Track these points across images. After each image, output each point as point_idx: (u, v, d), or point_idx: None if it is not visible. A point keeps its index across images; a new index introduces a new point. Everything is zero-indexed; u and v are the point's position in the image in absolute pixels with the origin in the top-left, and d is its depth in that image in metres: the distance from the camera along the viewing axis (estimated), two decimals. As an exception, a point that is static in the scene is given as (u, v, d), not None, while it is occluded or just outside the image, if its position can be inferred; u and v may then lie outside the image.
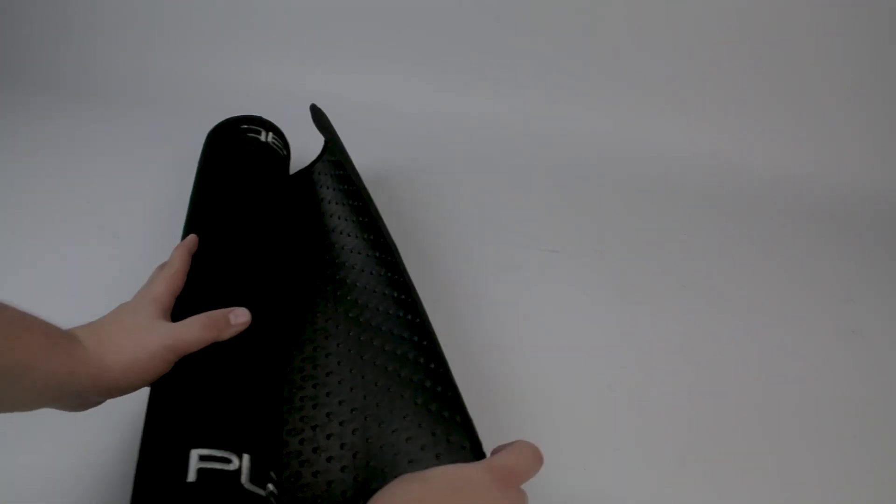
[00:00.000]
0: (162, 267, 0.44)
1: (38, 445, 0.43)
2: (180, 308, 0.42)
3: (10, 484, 0.42)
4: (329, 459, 0.41)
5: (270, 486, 0.34)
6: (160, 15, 0.92)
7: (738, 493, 0.44)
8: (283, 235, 0.55)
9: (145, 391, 0.37)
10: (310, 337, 0.49)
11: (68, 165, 0.73)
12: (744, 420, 0.49)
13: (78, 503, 0.41)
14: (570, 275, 0.61)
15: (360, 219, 0.56)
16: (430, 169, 0.74)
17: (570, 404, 0.49)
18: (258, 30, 0.91)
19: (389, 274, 0.50)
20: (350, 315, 0.50)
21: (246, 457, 0.34)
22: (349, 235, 0.57)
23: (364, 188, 0.55)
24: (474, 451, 0.37)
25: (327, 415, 0.43)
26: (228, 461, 0.33)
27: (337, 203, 0.60)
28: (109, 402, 0.37)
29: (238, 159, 0.57)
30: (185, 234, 0.49)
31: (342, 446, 0.41)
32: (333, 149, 0.60)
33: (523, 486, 0.33)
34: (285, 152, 0.64)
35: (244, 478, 0.33)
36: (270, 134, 0.62)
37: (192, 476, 0.32)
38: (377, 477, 0.40)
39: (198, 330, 0.38)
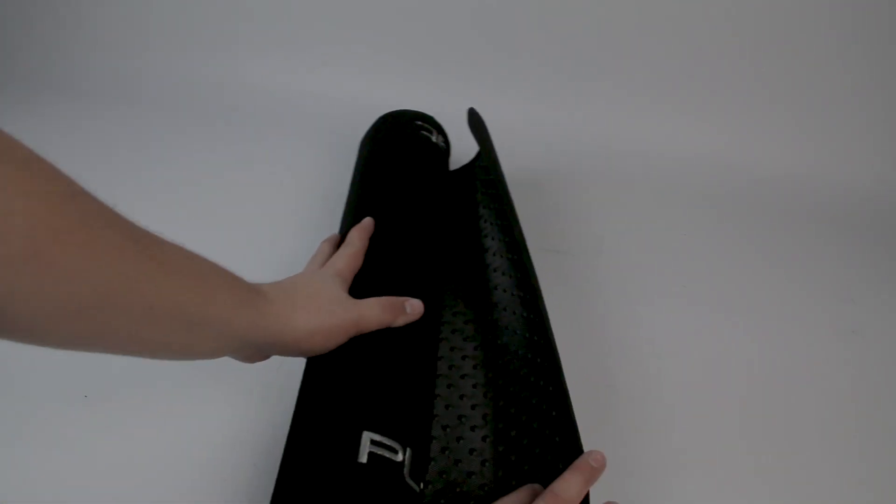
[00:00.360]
0: (329, 242, 0.47)
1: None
2: (353, 288, 0.42)
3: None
4: (457, 462, 0.40)
5: (421, 485, 0.34)
6: (160, 15, 0.92)
7: (737, 493, 0.44)
8: (441, 236, 0.56)
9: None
10: (447, 336, 0.49)
11: (68, 165, 0.73)
12: (743, 420, 0.49)
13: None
14: (570, 275, 0.61)
15: (501, 222, 0.56)
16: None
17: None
18: (268, 31, 0.91)
19: (527, 297, 0.50)
20: (488, 318, 0.50)
21: (409, 450, 0.34)
22: (492, 238, 0.57)
23: (508, 195, 0.55)
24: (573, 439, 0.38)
25: (458, 417, 0.43)
26: (395, 451, 0.33)
27: (483, 206, 0.61)
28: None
29: (409, 155, 0.58)
30: (349, 214, 0.51)
31: (471, 451, 0.41)
32: (485, 153, 0.60)
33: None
34: (448, 157, 0.65)
35: (406, 470, 0.33)
36: (440, 136, 0.63)
37: (363, 457, 0.32)
38: (503, 487, 0.39)
39: (378, 311, 0.39)
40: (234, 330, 0.33)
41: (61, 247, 0.24)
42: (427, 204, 0.54)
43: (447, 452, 0.41)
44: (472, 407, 0.44)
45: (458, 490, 0.39)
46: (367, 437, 0.33)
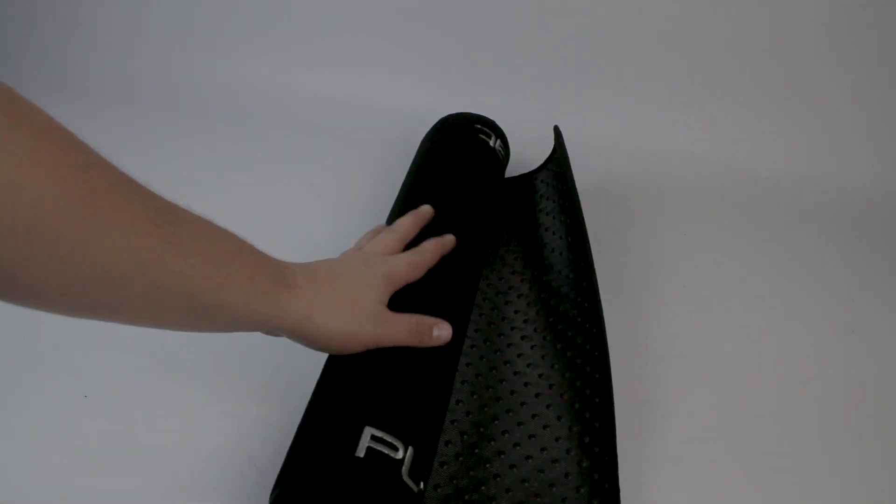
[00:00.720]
0: (387, 230, 0.44)
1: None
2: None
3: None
4: (468, 470, 0.42)
5: (422, 485, 0.34)
6: (160, 15, 0.92)
7: (736, 494, 0.44)
8: (494, 244, 0.57)
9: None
10: (478, 343, 0.50)
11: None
12: (743, 420, 0.49)
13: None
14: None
15: (569, 238, 0.57)
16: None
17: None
18: (271, 33, 0.91)
19: (584, 302, 0.51)
20: (535, 330, 0.51)
21: (410, 449, 0.34)
22: (553, 251, 0.57)
23: (580, 210, 0.55)
24: (612, 495, 0.38)
25: (476, 426, 0.44)
26: (395, 448, 0.33)
27: (548, 214, 0.61)
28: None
29: (465, 159, 0.58)
30: (401, 208, 0.50)
31: (484, 462, 0.42)
32: (560, 160, 0.61)
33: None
34: (505, 161, 0.65)
35: (405, 469, 0.33)
36: (499, 141, 0.63)
37: (361, 451, 0.32)
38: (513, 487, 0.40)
39: (405, 334, 0.38)
40: (249, 318, 0.32)
41: (67, 219, 0.24)
42: (479, 211, 0.54)
43: (460, 459, 0.41)
44: (493, 419, 0.44)
45: (465, 498, 0.39)
46: (368, 432, 0.33)
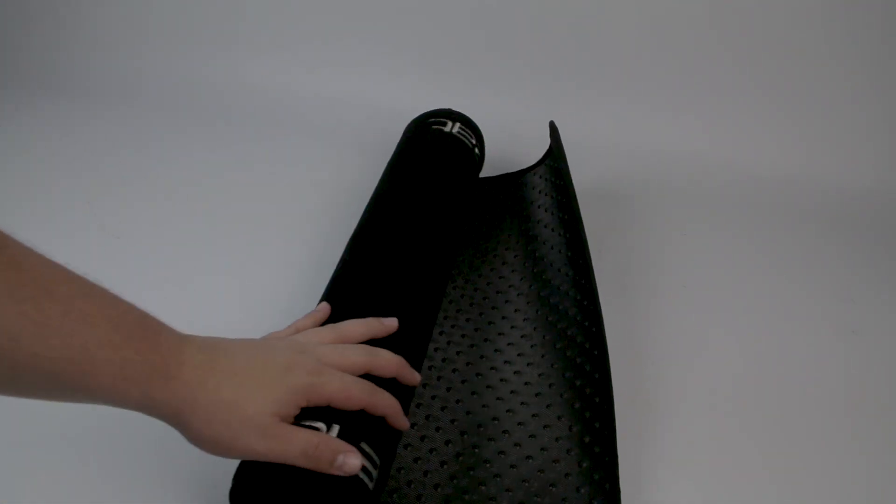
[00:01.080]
0: (330, 328, 0.38)
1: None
2: (340, 301, 0.42)
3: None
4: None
5: (366, 463, 0.34)
6: (160, 15, 0.92)
7: (736, 494, 0.44)
8: (491, 241, 0.57)
9: None
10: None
11: (68, 165, 0.73)
12: (743, 420, 0.49)
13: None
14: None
15: (567, 235, 0.57)
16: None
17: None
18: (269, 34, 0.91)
19: (583, 300, 0.51)
20: (535, 329, 0.51)
21: (337, 427, 0.33)
22: (551, 248, 0.57)
23: (577, 205, 0.55)
24: (612, 495, 0.39)
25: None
26: (316, 430, 0.33)
27: (546, 210, 0.61)
28: None
29: (421, 152, 0.59)
30: (364, 223, 0.50)
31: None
32: (557, 156, 0.61)
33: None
34: (473, 142, 0.63)
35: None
36: (457, 125, 0.62)
37: None
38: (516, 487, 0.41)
39: (297, 454, 0.32)
40: (120, 404, 0.30)
41: None
42: (437, 201, 0.54)
43: (461, 458, 0.42)
44: (493, 419, 0.45)
45: (466, 497, 0.40)
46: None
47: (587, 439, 0.42)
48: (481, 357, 0.49)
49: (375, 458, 0.34)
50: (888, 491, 0.45)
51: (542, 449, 0.42)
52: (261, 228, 0.65)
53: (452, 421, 0.44)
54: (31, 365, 0.26)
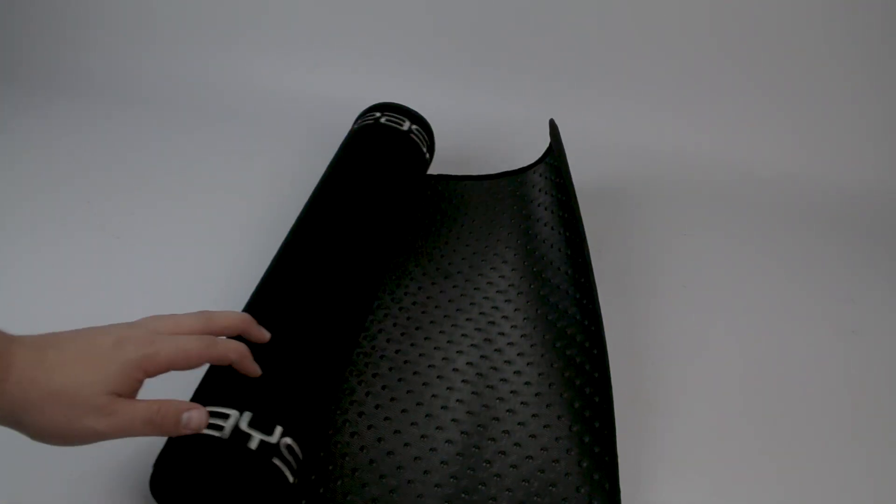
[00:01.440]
0: (196, 314, 0.37)
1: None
2: (267, 300, 0.44)
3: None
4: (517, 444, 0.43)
5: (279, 432, 0.35)
6: (160, 15, 0.92)
7: (735, 494, 0.44)
8: (490, 240, 0.59)
9: None
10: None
11: (68, 165, 0.73)
12: (743, 420, 0.49)
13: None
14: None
15: (567, 233, 0.57)
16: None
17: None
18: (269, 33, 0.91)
19: (582, 299, 0.51)
20: (535, 328, 0.51)
21: (247, 414, 0.36)
22: (551, 246, 0.57)
23: (577, 203, 0.55)
24: (612, 495, 0.39)
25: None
26: (226, 416, 0.35)
27: (546, 209, 0.61)
28: None
29: (350, 148, 0.61)
30: (299, 225, 0.51)
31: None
32: (557, 155, 0.61)
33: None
34: (402, 125, 0.64)
35: (241, 422, 0.35)
36: (385, 115, 0.64)
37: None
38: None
39: (139, 423, 0.32)
40: None
41: None
42: (366, 189, 0.56)
43: (462, 458, 0.42)
44: (494, 419, 0.45)
45: (466, 497, 0.40)
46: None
47: (587, 439, 0.42)
48: (482, 357, 0.49)
49: (296, 448, 0.36)
50: (888, 491, 0.45)
51: (542, 449, 0.42)
52: (261, 228, 0.65)
53: (453, 420, 0.44)
54: None
